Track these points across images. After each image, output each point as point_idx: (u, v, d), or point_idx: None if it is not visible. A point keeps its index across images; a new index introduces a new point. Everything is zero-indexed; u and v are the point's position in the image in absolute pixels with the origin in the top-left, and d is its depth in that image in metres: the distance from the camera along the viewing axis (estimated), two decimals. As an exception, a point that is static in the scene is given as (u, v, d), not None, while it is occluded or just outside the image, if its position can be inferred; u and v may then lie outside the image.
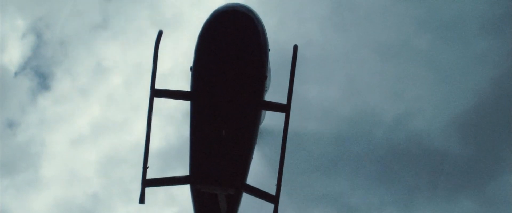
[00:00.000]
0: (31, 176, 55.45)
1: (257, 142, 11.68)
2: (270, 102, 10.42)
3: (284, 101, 10.32)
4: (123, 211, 55.18)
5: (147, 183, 12.69)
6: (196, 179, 12.05)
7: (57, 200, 55.20)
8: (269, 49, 9.47)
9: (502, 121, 51.30)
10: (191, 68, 9.94)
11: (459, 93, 53.60)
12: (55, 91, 61.40)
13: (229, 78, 9.42)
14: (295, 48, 10.25)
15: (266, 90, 10.38)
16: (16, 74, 52.03)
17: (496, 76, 50.45)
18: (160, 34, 10.32)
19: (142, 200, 13.02)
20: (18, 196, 54.47)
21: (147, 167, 12.71)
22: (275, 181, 11.73)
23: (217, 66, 9.45)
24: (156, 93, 10.68)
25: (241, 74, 9.50)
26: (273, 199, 11.64)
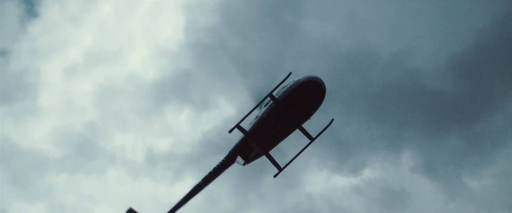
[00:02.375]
0: (29, 105, 55.68)
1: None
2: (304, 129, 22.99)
3: None
4: (121, 139, 56.47)
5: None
6: (253, 139, 22.08)
7: (56, 129, 56.05)
8: None
9: (500, 62, 51.16)
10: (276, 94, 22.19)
11: (459, 32, 52.68)
12: (45, 19, 59.34)
13: (300, 107, 21.06)
14: (331, 121, 23.04)
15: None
16: (1, 0, 49.74)
17: (498, 16, 49.33)
18: None
19: None
20: (18, 124, 55.11)
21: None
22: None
23: (301, 100, 21.19)
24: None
25: (305, 111, 21.40)
26: (279, 168, 23.31)
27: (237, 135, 23.54)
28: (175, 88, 56.19)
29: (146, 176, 53.62)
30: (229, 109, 56.81)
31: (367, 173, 52.86)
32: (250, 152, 22.42)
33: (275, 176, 22.62)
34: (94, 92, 55.38)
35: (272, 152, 22.94)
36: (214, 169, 23.88)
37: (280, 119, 20.78)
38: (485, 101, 51.74)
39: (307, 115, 21.59)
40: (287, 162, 22.25)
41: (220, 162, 23.89)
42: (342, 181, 52.29)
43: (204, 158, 60.77)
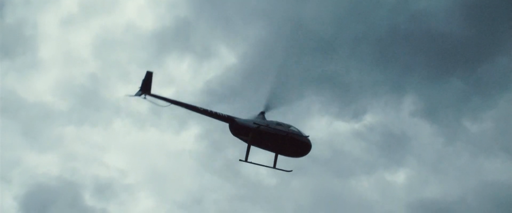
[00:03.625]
0: (29, 58, 55.43)
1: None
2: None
3: None
4: (123, 90, 56.62)
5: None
6: (254, 137, 24.74)
7: (58, 81, 56.24)
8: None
9: (507, 4, 49.66)
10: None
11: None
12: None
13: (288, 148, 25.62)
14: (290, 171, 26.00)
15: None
16: None
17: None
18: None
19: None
20: (21, 78, 55.24)
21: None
22: None
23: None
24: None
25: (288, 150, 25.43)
26: (246, 158, 25.60)
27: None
28: (175, 37, 55.60)
29: (151, 126, 54.60)
30: (230, 57, 56.49)
31: (369, 118, 53.52)
32: (244, 135, 24.53)
33: (240, 160, 24.75)
34: (93, 44, 54.94)
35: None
36: (211, 112, 25.09)
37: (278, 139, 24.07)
38: (490, 44, 51.01)
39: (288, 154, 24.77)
40: (252, 161, 24.19)
41: (219, 113, 25.18)
42: (343, 127, 53.13)
43: (207, 106, 61.43)
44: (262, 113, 26.46)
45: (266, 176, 52.16)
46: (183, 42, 55.70)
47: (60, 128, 52.31)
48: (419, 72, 52.48)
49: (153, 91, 25.48)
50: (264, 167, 24.12)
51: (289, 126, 24.98)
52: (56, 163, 50.86)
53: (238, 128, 24.27)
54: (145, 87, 24.59)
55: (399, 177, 51.06)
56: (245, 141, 24.76)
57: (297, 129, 25.32)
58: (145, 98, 24.62)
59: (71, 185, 49.32)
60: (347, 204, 49.03)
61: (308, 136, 25.06)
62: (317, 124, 54.40)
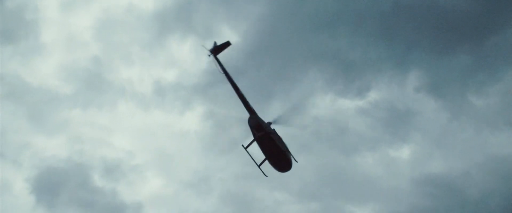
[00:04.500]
0: (32, 43, 55.52)
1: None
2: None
3: None
4: (127, 73, 56.86)
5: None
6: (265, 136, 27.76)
7: (62, 65, 56.43)
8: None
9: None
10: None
11: None
12: None
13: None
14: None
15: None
16: None
17: None
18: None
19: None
20: (25, 62, 55.47)
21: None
22: None
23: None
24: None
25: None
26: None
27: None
28: (177, 18, 55.20)
29: (156, 107, 54.99)
30: (233, 36, 56.12)
31: (373, 95, 53.27)
32: (256, 130, 27.79)
33: (242, 145, 27.79)
34: (94, 26, 54.80)
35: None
36: (244, 98, 28.32)
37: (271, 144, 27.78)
38: (497, 17, 49.88)
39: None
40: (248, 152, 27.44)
41: (249, 103, 28.53)
42: (347, 104, 53.02)
43: (211, 86, 61.62)
44: (270, 123, 28.84)
45: (271, 155, 52.65)
46: (185, 23, 55.38)
47: (66, 112, 52.97)
48: (424, 47, 51.80)
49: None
50: (252, 160, 27.57)
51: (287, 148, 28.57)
52: (64, 146, 51.75)
53: (256, 123, 27.41)
54: (217, 50, 27.21)
55: (404, 153, 51.26)
56: (253, 134, 27.79)
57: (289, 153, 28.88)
58: (209, 56, 27.32)
59: (80, 166, 50.30)
60: (351, 181, 49.53)
61: (297, 161, 28.24)
62: (321, 102, 54.41)
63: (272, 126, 28.42)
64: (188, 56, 56.18)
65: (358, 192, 48.08)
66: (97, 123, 51.99)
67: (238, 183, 49.72)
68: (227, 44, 27.02)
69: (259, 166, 27.17)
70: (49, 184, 47.52)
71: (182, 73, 55.18)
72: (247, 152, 26.78)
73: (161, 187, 51.18)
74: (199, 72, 55.91)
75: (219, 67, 27.16)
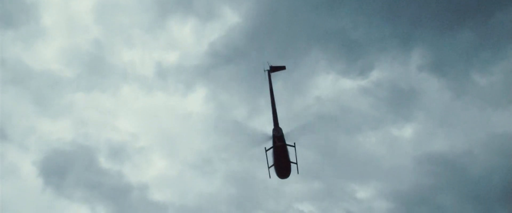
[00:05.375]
0: (33, 27, 55.39)
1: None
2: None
3: None
4: (128, 55, 56.83)
5: None
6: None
7: (63, 49, 56.47)
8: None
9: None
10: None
11: None
12: None
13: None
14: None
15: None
16: None
17: None
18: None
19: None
20: (27, 47, 55.50)
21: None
22: None
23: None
24: None
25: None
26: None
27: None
28: None
29: (158, 90, 55.20)
30: (234, 17, 55.67)
31: (376, 74, 52.99)
32: (277, 140, 31.93)
33: (265, 147, 32.44)
34: (94, 9, 54.50)
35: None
36: (275, 109, 32.43)
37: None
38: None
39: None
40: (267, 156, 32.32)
41: (277, 116, 32.42)
42: (349, 84, 52.85)
43: (213, 68, 61.63)
44: (280, 130, 33.47)
45: (274, 135, 52.96)
46: (186, 4, 54.93)
47: (70, 95, 53.31)
48: (427, 24, 51.10)
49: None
50: (266, 162, 32.38)
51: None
52: (69, 129, 52.36)
53: (279, 134, 32.04)
54: (273, 69, 33.09)
55: (406, 131, 51.35)
56: (273, 142, 32.21)
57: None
58: (265, 71, 33.08)
59: (85, 149, 50.98)
60: (354, 160, 49.88)
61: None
62: (323, 82, 54.28)
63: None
64: (189, 37, 56.03)
65: (361, 171, 48.57)
66: (100, 106, 52.48)
67: (242, 163, 50.40)
68: (282, 67, 33.32)
69: (269, 168, 32.16)
70: (56, 167, 48.40)
71: (183, 55, 55.18)
72: (266, 154, 31.66)
73: (165, 168, 52.00)
74: (200, 54, 55.86)
75: (269, 82, 32.90)
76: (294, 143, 31.07)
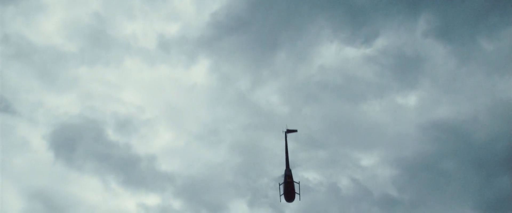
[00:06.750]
0: (33, 2, 54.75)
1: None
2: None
3: None
4: (130, 28, 56.30)
5: None
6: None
7: (64, 22, 55.99)
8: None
9: None
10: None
11: None
12: None
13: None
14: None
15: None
16: None
17: None
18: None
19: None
20: (28, 22, 55.07)
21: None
22: None
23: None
24: None
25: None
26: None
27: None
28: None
29: (161, 62, 55.07)
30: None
31: (380, 42, 52.20)
32: (288, 177, 41.10)
33: (279, 183, 41.91)
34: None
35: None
36: (288, 156, 41.37)
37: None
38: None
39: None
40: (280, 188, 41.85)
41: (289, 162, 41.48)
42: (353, 52, 52.21)
43: (215, 39, 61.01)
44: (290, 170, 41.74)
45: (278, 105, 53.29)
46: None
47: (73, 69, 53.37)
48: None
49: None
50: (279, 189, 41.47)
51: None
52: (76, 103, 52.67)
53: (289, 174, 41.07)
54: (289, 131, 41.01)
55: (411, 99, 51.05)
56: (285, 178, 40.99)
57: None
58: (283, 132, 41.23)
59: (93, 122, 51.51)
60: (359, 128, 50.06)
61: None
62: (326, 51, 53.67)
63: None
64: (190, 8, 55.21)
65: (365, 139, 48.84)
66: (105, 79, 52.62)
67: (247, 133, 50.98)
68: (295, 130, 40.98)
69: (280, 196, 41.06)
70: (66, 140, 49.11)
71: (185, 26, 54.58)
72: (279, 187, 40.91)
73: (172, 139, 52.68)
74: (202, 25, 55.24)
75: (285, 141, 41.12)
76: (299, 182, 40.77)
